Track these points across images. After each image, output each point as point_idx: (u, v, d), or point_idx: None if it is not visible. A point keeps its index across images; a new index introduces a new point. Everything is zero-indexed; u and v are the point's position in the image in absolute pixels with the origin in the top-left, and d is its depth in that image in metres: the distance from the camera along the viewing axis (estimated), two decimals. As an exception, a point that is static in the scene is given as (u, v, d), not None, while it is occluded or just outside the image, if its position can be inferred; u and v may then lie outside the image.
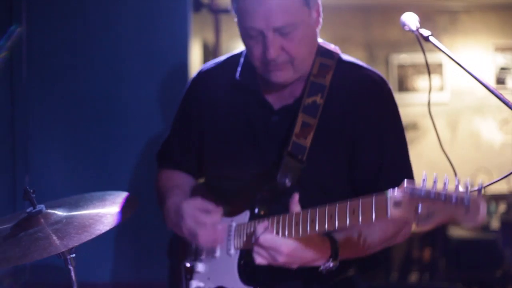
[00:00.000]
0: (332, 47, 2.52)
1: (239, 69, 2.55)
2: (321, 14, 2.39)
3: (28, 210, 2.05)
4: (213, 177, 2.65)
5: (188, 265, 2.50)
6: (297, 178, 2.34)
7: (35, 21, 3.52)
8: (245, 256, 2.33)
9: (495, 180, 1.97)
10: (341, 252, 2.19)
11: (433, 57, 7.17)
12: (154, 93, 3.53)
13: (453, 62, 2.11)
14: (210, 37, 5.87)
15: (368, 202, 1.86)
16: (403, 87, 7.92)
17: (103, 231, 1.92)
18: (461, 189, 1.63)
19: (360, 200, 1.90)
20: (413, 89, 7.88)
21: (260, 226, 2.15)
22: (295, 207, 2.14)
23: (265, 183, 2.37)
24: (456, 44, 8.03)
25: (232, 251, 2.37)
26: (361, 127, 2.38)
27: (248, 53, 2.42)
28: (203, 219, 2.31)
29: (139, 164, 3.52)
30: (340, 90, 2.41)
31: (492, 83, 7.80)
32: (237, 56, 2.62)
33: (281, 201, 2.26)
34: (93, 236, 1.90)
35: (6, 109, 3.52)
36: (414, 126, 7.21)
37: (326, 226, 1.99)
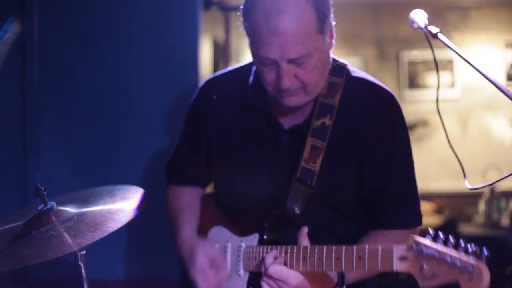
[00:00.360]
0: (341, 62, 2.47)
1: (250, 80, 2.52)
2: (334, 35, 2.34)
3: (40, 207, 2.05)
4: (222, 193, 2.66)
5: None
6: (305, 204, 2.34)
7: (46, 20, 3.55)
8: (254, 280, 2.36)
9: (504, 176, 1.97)
10: (347, 278, 2.22)
11: (444, 54, 7.15)
12: (164, 90, 3.54)
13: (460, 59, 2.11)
14: (221, 35, 5.88)
15: (374, 252, 1.90)
16: (413, 83, 7.91)
17: (115, 228, 1.92)
18: (464, 254, 1.65)
19: (367, 247, 1.93)
20: (423, 86, 7.87)
21: (269, 256, 2.19)
22: (304, 240, 2.18)
23: (274, 208, 2.37)
24: (466, 40, 8.00)
25: (242, 272, 2.41)
26: (370, 146, 2.37)
27: (260, 77, 2.35)
28: (210, 277, 2.39)
29: (149, 161, 3.54)
30: (349, 109, 2.39)
31: (502, 80, 7.78)
32: (248, 67, 2.58)
33: (290, 228, 2.31)
34: (106, 234, 1.90)
35: (18, 107, 3.54)
36: (425, 123, 7.20)
37: (333, 267, 2.04)
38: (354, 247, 1.96)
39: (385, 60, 7.97)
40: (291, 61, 2.18)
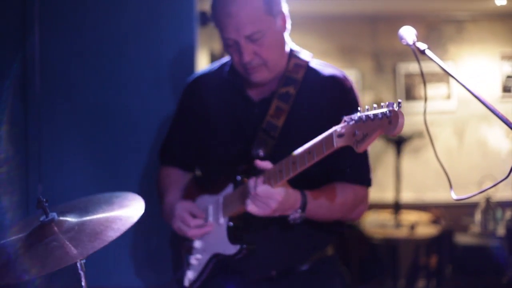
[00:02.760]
0: (306, 52, 2.88)
1: (226, 69, 2.95)
2: (288, 20, 2.76)
3: (41, 218, 2.08)
4: (204, 165, 3.03)
5: (186, 243, 2.90)
6: (269, 152, 2.68)
7: (47, 34, 3.59)
8: (232, 219, 2.74)
9: (485, 188, 2.05)
10: (309, 205, 2.58)
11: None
12: (161, 102, 3.60)
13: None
14: (217, 47, 5.96)
15: (319, 142, 2.29)
16: (410, 95, 7.96)
17: (114, 237, 1.97)
18: (384, 108, 2.00)
19: (313, 143, 2.32)
20: (420, 98, 7.91)
21: (252, 180, 2.53)
22: (264, 164, 2.54)
23: (244, 158, 2.73)
24: (462, 52, 8.06)
25: (221, 220, 2.76)
26: (326, 114, 2.67)
27: (231, 60, 2.84)
28: (188, 221, 2.79)
29: (147, 169, 3.60)
30: (310, 84, 2.78)
31: (498, 91, 7.83)
32: (227, 62, 3.00)
33: (258, 171, 2.58)
34: (105, 243, 1.96)
35: (20, 119, 3.58)
36: (421, 134, 7.24)
37: (291, 174, 2.42)
38: (303, 147, 2.37)
39: (382, 72, 8.02)
40: (247, 38, 2.62)
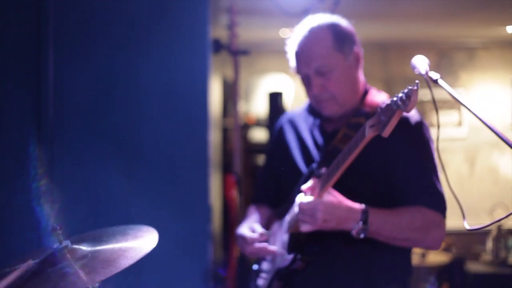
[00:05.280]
0: (384, 94, 2.93)
1: (307, 105, 3.07)
2: (361, 59, 2.89)
3: (55, 246, 2.10)
4: (282, 195, 3.02)
5: (255, 267, 3.02)
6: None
7: (61, 61, 3.61)
8: (292, 234, 2.75)
9: (509, 213, 2.02)
10: (371, 217, 2.55)
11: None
12: (174, 128, 3.61)
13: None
14: (230, 74, 5.99)
15: (354, 137, 2.39)
16: (421, 122, 7.96)
17: (128, 265, 1.98)
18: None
19: (351, 140, 2.42)
20: (431, 125, 7.82)
21: (299, 196, 2.63)
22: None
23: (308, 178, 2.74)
24: (473, 80, 8.08)
25: (285, 237, 2.80)
26: (391, 146, 2.64)
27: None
28: (245, 235, 2.83)
29: (160, 200, 3.59)
30: None
31: (509, 119, 7.83)
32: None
33: None
34: (118, 270, 1.96)
35: (32, 147, 3.60)
36: (432, 162, 7.23)
37: (332, 177, 2.50)
38: (343, 148, 2.47)
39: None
40: (316, 72, 2.77)
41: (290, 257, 2.70)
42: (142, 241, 2.17)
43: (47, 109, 3.60)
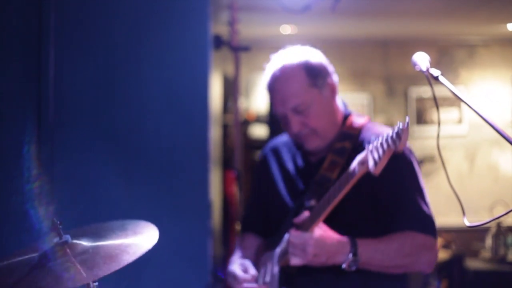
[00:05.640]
0: (364, 116, 2.93)
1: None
2: (336, 88, 2.85)
3: (55, 240, 2.10)
4: (270, 225, 3.01)
5: None
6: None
7: (62, 59, 3.61)
8: (283, 267, 2.72)
9: (509, 210, 2.03)
10: (360, 249, 2.53)
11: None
12: (175, 125, 3.61)
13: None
14: (230, 70, 5.99)
15: (345, 174, 2.44)
16: (421, 120, 7.98)
17: (130, 261, 1.99)
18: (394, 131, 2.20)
19: (342, 177, 2.46)
20: (431, 122, 7.93)
21: (290, 232, 2.58)
22: (305, 214, 2.60)
23: (300, 211, 2.70)
24: (474, 77, 8.09)
25: (275, 270, 2.76)
26: (380, 177, 2.47)
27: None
28: (238, 276, 2.78)
29: (159, 196, 3.59)
30: (366, 139, 2.73)
31: (510, 116, 7.83)
32: None
33: None
34: (121, 266, 1.97)
35: (33, 143, 3.60)
36: (432, 159, 7.24)
37: (322, 213, 2.51)
38: (333, 185, 2.50)
39: (393, 96, 8.04)
40: (293, 110, 2.74)
41: None
42: (143, 237, 2.17)
43: (47, 109, 3.60)
